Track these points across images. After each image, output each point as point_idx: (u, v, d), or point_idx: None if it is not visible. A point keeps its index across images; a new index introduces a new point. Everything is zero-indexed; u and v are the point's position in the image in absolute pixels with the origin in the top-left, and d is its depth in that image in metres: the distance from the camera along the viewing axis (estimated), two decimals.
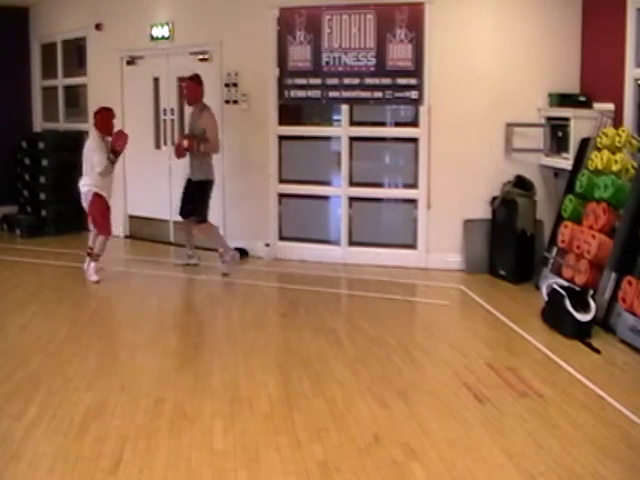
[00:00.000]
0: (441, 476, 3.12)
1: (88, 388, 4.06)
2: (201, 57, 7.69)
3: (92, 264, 6.47)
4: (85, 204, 6.48)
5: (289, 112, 7.34)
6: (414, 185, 6.97)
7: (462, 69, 6.68)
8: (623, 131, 5.52)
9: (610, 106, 5.94)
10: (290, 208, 7.37)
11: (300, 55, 7.13)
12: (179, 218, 8.11)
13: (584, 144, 5.94)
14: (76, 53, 9.12)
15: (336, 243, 7.23)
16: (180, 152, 6.75)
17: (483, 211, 6.75)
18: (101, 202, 6.40)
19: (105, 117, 6.49)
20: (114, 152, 6.34)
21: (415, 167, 6.95)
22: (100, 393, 4.00)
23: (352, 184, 7.09)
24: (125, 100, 8.44)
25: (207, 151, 6.58)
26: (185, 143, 6.59)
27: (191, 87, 6.75)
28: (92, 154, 6.33)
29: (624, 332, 4.82)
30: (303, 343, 4.91)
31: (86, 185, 6.39)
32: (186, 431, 3.53)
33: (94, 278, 6.44)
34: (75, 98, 9.33)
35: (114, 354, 4.71)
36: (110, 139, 6.40)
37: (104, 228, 6.50)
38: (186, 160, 6.89)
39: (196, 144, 6.51)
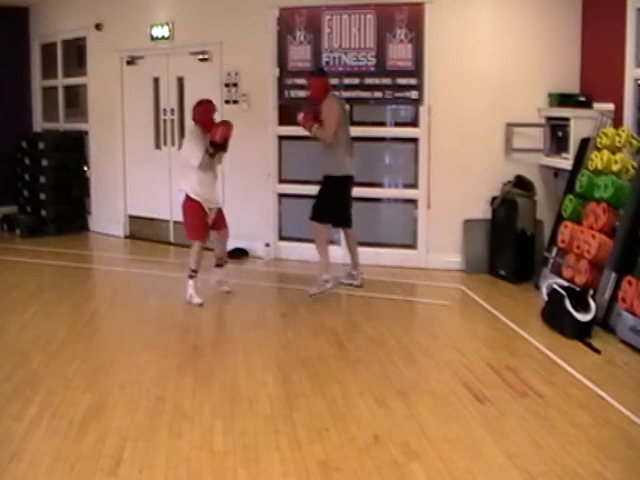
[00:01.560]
0: (441, 476, 3.12)
1: (88, 388, 4.06)
2: (201, 57, 7.70)
3: (190, 282, 5.73)
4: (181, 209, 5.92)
5: (289, 112, 7.34)
6: (414, 185, 6.97)
7: (462, 69, 6.68)
8: (623, 131, 5.52)
9: (610, 106, 5.94)
10: (290, 208, 7.36)
11: (300, 55, 7.13)
12: (180, 218, 8.11)
13: (584, 144, 5.94)
14: (76, 53, 9.13)
15: (336, 243, 7.22)
16: (301, 124, 6.09)
17: (483, 211, 6.75)
18: (193, 206, 5.72)
19: (205, 110, 5.80)
20: (213, 144, 5.62)
21: (415, 167, 6.95)
22: (100, 393, 4.00)
23: (355, 184, 7.07)
24: (125, 100, 8.44)
25: (319, 134, 5.87)
26: (300, 116, 5.99)
27: (314, 83, 6.06)
28: (188, 147, 5.76)
29: (624, 332, 4.82)
30: (303, 343, 4.91)
31: (181, 189, 5.83)
32: (186, 431, 3.53)
33: (195, 301, 5.69)
34: (75, 98, 9.33)
35: (114, 354, 4.71)
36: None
37: (192, 231, 5.82)
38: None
39: (311, 122, 5.90)
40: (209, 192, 5.78)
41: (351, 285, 6.23)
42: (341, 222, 6.20)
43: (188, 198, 5.74)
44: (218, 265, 6.09)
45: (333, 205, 6.04)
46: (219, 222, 5.93)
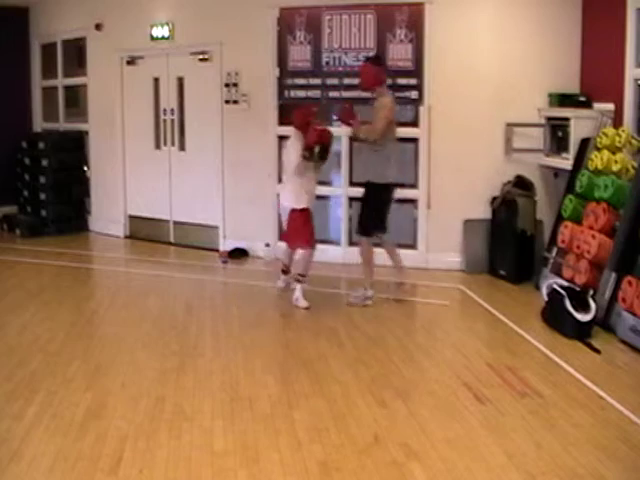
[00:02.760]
0: (441, 476, 3.12)
1: (88, 388, 4.06)
2: (201, 57, 7.70)
3: (298, 286, 5.68)
4: (283, 217, 5.89)
5: (289, 112, 7.33)
6: (414, 185, 6.97)
7: (462, 69, 6.68)
8: (623, 131, 5.52)
9: (610, 106, 5.94)
10: None
11: (300, 55, 7.13)
12: (180, 218, 8.17)
13: (584, 144, 5.94)
14: (76, 53, 9.12)
15: (336, 243, 7.24)
16: (344, 114, 5.73)
17: (483, 211, 6.75)
18: (302, 215, 5.66)
19: (302, 115, 5.76)
20: (308, 148, 5.51)
21: (415, 167, 6.94)
22: (100, 393, 4.00)
23: (352, 184, 7.08)
24: (125, 100, 8.44)
25: (364, 132, 5.53)
26: (346, 107, 5.66)
27: (365, 69, 5.73)
28: (286, 153, 5.76)
29: (624, 332, 4.82)
30: (303, 343, 4.91)
31: (285, 200, 5.75)
32: (186, 431, 3.53)
33: (302, 304, 5.63)
34: (75, 98, 9.33)
35: (114, 354, 4.70)
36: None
37: (304, 239, 5.69)
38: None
39: (355, 119, 5.60)
40: (311, 199, 5.71)
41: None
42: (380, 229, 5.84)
43: (294, 210, 5.67)
44: (284, 272, 6.05)
45: (377, 214, 5.74)
46: None
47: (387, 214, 5.84)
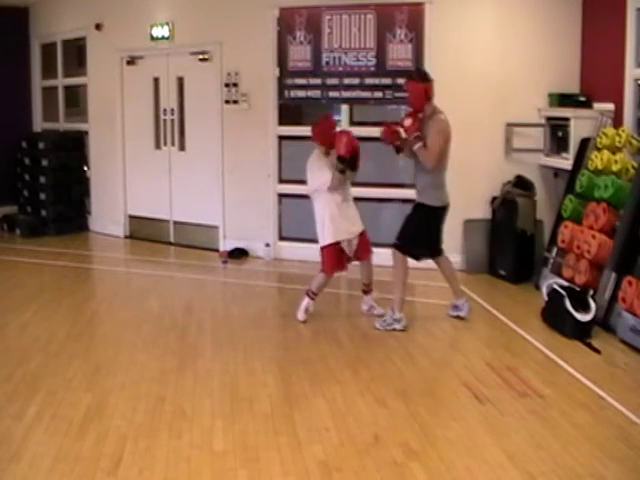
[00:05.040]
0: (441, 476, 3.12)
1: (88, 388, 4.06)
2: (201, 57, 7.69)
3: (305, 299, 5.37)
4: None
5: (289, 112, 7.35)
6: (414, 185, 6.94)
7: (462, 69, 6.68)
8: (623, 131, 5.52)
9: (610, 106, 5.94)
10: (290, 208, 7.37)
11: (300, 55, 7.13)
12: (180, 218, 8.17)
13: (584, 144, 5.94)
14: (76, 53, 9.13)
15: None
16: (390, 133, 5.22)
17: (483, 211, 6.75)
18: (329, 250, 5.25)
19: (323, 127, 5.32)
20: (341, 159, 5.11)
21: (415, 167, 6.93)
22: (100, 393, 4.00)
23: (352, 184, 7.07)
24: (125, 100, 8.45)
25: (421, 155, 5.05)
26: (407, 122, 5.04)
27: (412, 89, 5.08)
28: (312, 176, 5.25)
29: (624, 332, 4.82)
30: (303, 343, 4.92)
31: (319, 237, 5.31)
32: (186, 431, 3.53)
33: (300, 316, 5.34)
34: (75, 98, 9.34)
35: (114, 354, 4.70)
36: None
37: (325, 267, 5.29)
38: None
39: (416, 133, 5.00)
40: (344, 221, 5.25)
41: (458, 317, 5.40)
42: (432, 252, 5.38)
43: (321, 248, 5.30)
44: (365, 292, 5.57)
45: (424, 237, 5.27)
46: (362, 251, 5.36)
47: (441, 236, 5.37)
